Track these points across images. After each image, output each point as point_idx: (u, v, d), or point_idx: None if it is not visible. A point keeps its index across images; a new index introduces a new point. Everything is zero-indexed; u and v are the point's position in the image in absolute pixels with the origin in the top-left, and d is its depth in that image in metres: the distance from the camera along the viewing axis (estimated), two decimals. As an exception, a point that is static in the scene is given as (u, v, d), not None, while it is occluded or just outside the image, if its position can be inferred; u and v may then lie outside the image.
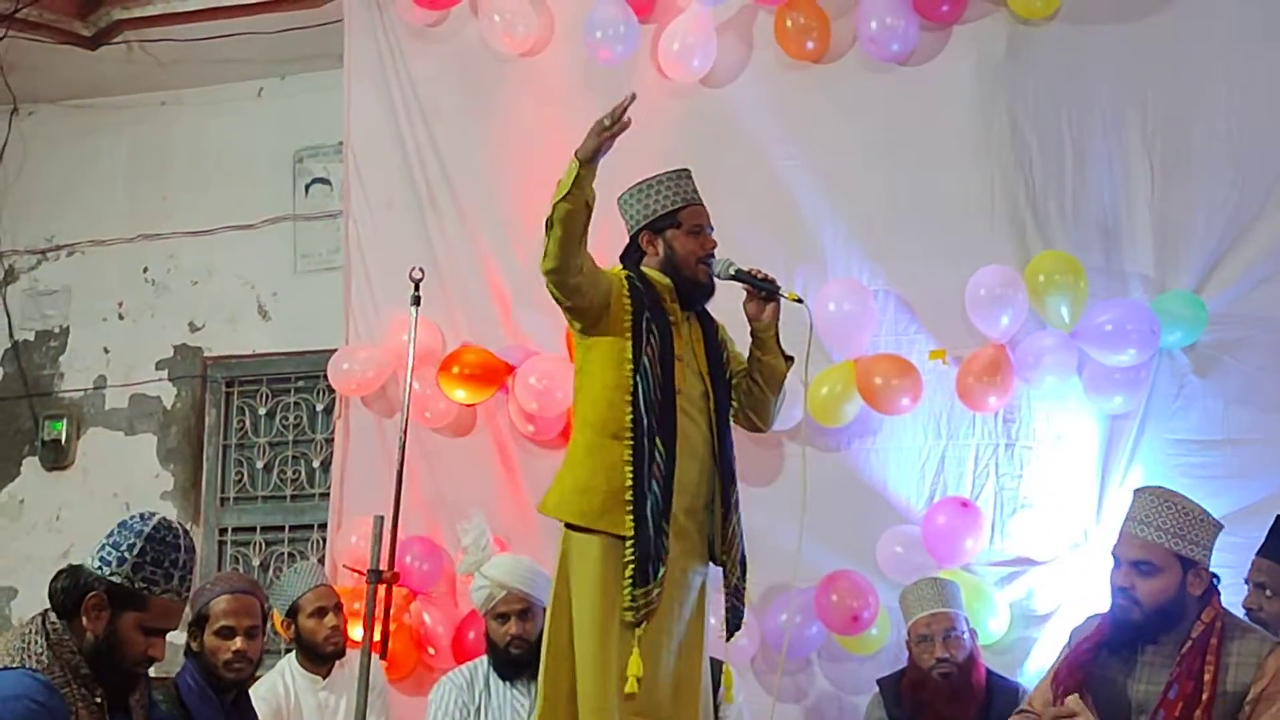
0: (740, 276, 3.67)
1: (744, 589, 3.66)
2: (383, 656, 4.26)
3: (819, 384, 4.96)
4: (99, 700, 2.93)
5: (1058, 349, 4.77)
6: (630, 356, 3.53)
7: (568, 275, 3.48)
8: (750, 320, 3.73)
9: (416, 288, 4.36)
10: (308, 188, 6.50)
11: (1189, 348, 4.78)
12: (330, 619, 4.42)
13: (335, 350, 5.51)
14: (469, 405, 5.32)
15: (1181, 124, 4.91)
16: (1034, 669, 4.61)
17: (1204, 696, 3.18)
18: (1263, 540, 3.93)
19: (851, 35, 5.22)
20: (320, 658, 4.43)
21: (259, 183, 6.51)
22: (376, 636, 4.11)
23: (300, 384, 6.42)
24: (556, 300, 3.56)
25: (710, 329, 3.77)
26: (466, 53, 5.59)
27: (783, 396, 3.80)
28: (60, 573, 2.99)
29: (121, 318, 6.65)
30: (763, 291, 3.68)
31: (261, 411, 6.48)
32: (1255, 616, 3.81)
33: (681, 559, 3.53)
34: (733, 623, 3.66)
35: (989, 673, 4.30)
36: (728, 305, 3.83)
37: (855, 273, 5.09)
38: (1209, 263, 4.81)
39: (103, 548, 2.96)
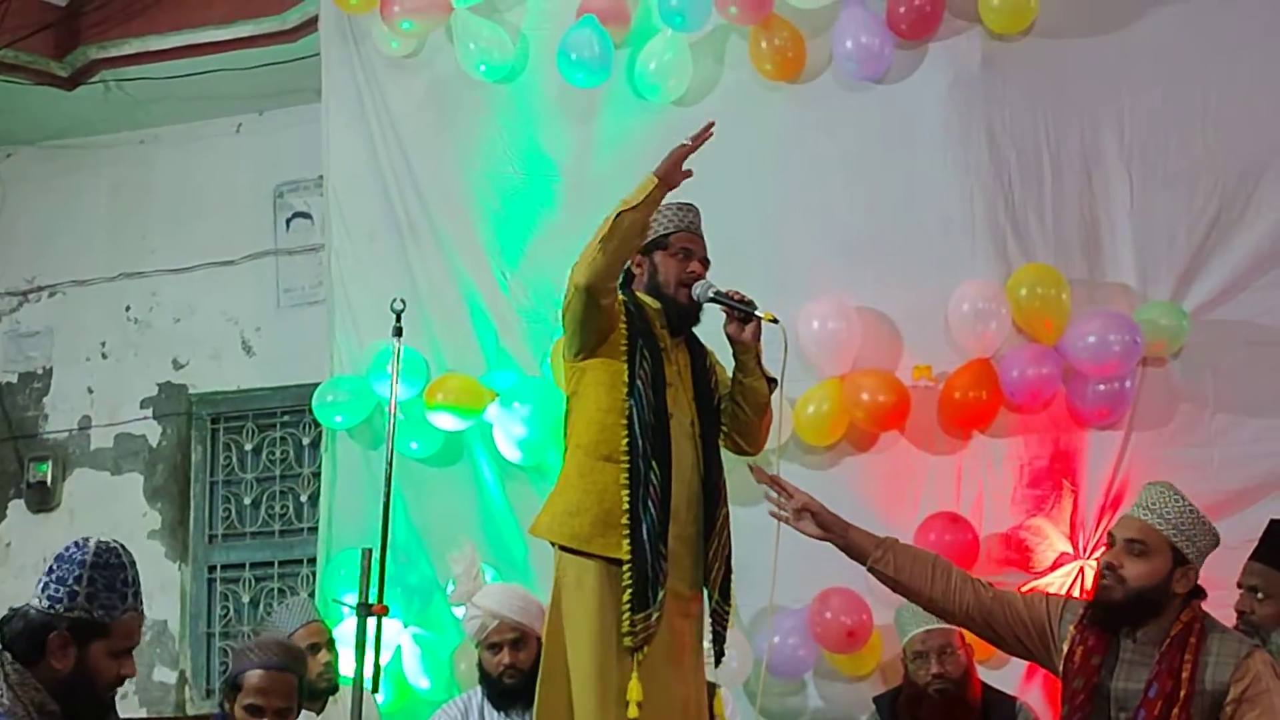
0: (718, 298, 3.68)
1: (726, 612, 3.63)
2: (375, 690, 4.24)
3: (805, 402, 4.96)
4: None
5: (1042, 362, 4.78)
6: (625, 379, 3.52)
7: (602, 295, 3.45)
8: (731, 342, 3.73)
9: (398, 318, 4.36)
10: (289, 222, 6.50)
11: (1173, 356, 4.79)
12: (322, 655, 4.39)
13: (320, 384, 5.50)
14: (455, 433, 5.30)
15: (1159, 133, 4.92)
16: (1029, 683, 4.60)
17: (1182, 694, 3.19)
18: (1256, 545, 3.94)
19: (827, 54, 5.23)
20: (313, 694, 4.40)
21: (240, 218, 6.51)
22: (368, 669, 4.09)
23: (286, 418, 6.41)
24: (575, 315, 3.50)
25: (699, 355, 3.77)
26: (442, 81, 5.60)
27: (769, 419, 3.77)
28: (8, 617, 2.93)
29: (105, 357, 6.64)
30: (739, 312, 3.68)
31: (248, 447, 6.46)
32: (1247, 619, 3.82)
33: (677, 584, 3.52)
34: (717, 648, 3.64)
35: (985, 688, 4.29)
36: (714, 326, 3.83)
37: (837, 291, 5.09)
38: (1190, 271, 4.83)
39: (47, 585, 2.89)
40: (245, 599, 6.28)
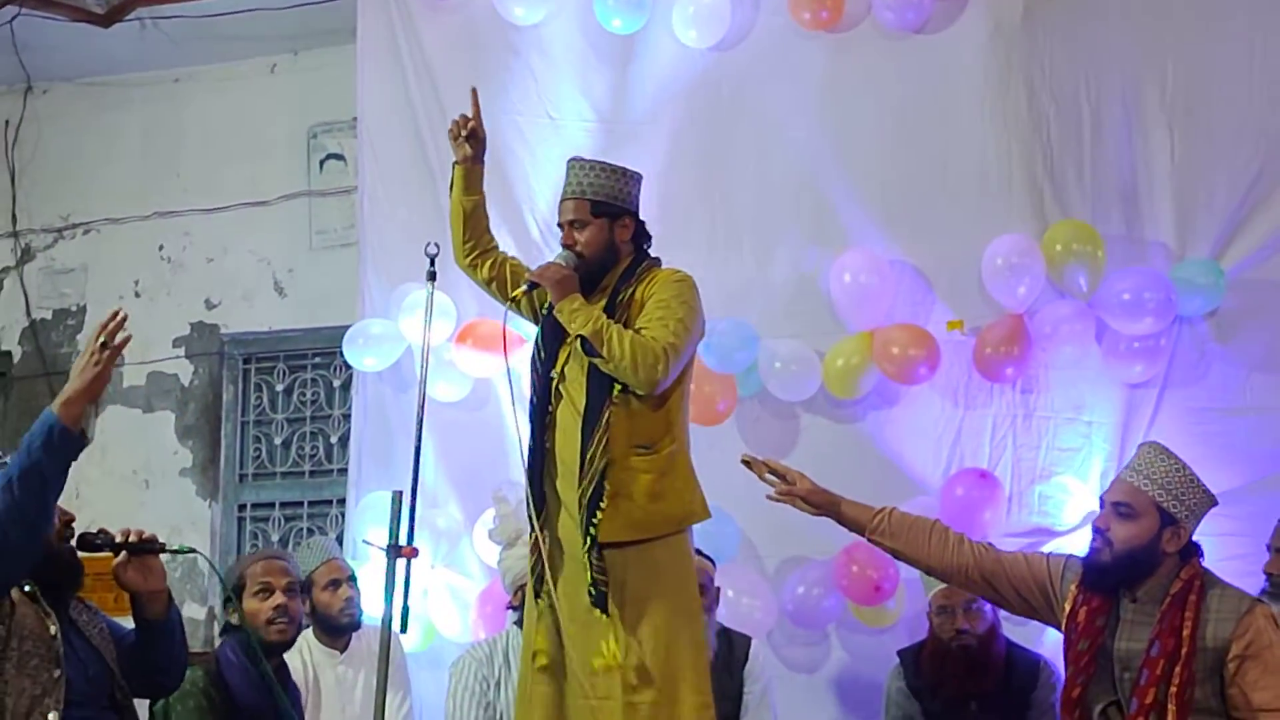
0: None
1: (589, 562, 3.54)
2: (403, 630, 4.26)
3: (835, 355, 4.95)
4: (28, 590, 3.04)
5: (1075, 318, 4.75)
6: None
7: (459, 262, 4.03)
8: None
9: (432, 263, 4.35)
10: (322, 164, 6.49)
11: (1209, 315, 4.76)
12: (344, 590, 4.44)
13: (351, 326, 5.51)
14: (484, 378, 5.31)
15: (1201, 90, 4.87)
16: (1054, 640, 4.60)
17: (1183, 651, 3.20)
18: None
19: (866, 2, 5.18)
20: (336, 630, 4.44)
21: (273, 159, 6.50)
22: (397, 610, 4.11)
23: (317, 360, 6.43)
24: None
25: (614, 307, 3.67)
26: (478, 23, 5.56)
27: (619, 359, 3.50)
28: None
29: (138, 295, 6.66)
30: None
31: (279, 388, 6.49)
32: (1275, 581, 3.81)
33: (565, 539, 3.58)
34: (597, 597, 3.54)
35: (1009, 644, 4.30)
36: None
37: (871, 243, 5.07)
38: (1229, 229, 4.78)
39: None
40: (275, 538, 6.33)
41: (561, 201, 3.78)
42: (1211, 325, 4.76)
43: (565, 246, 3.71)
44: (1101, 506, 3.41)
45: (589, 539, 3.47)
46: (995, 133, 5.01)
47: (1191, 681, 3.20)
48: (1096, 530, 3.37)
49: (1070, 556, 3.51)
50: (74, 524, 3.20)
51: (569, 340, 3.62)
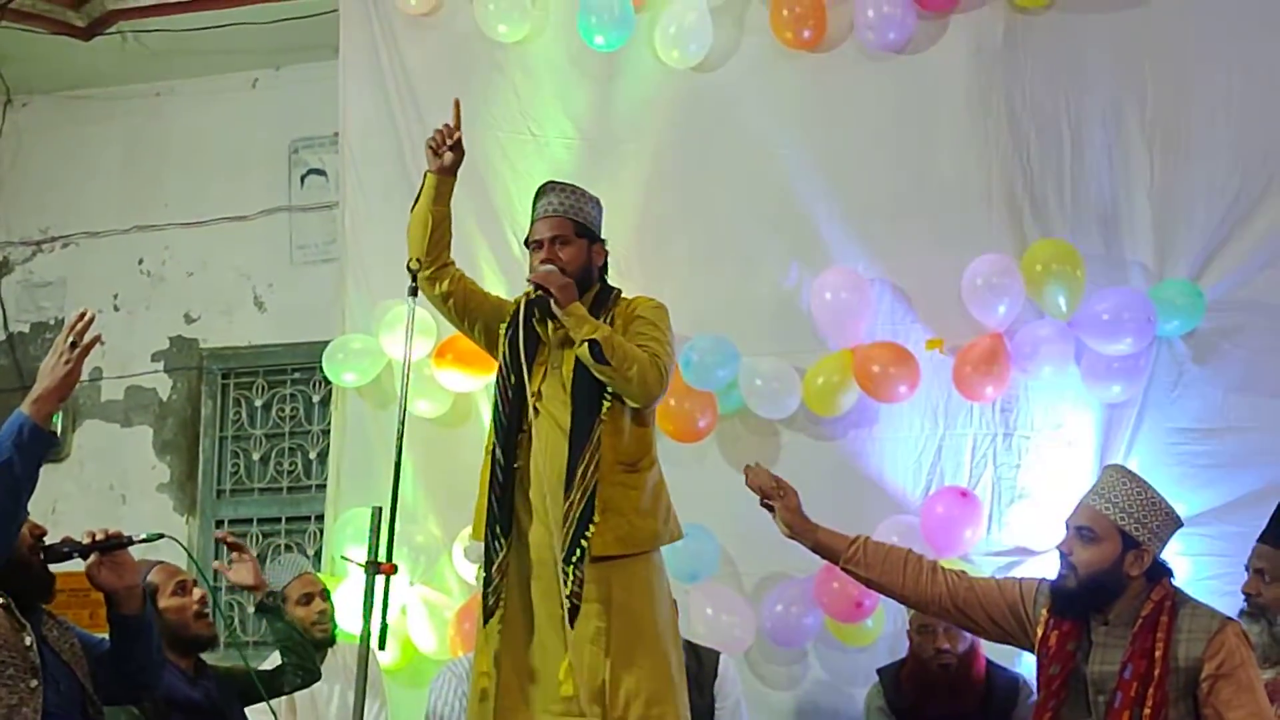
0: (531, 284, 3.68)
1: (567, 574, 3.54)
2: (381, 647, 4.24)
3: (815, 373, 4.96)
4: (2, 602, 3.02)
5: (1055, 338, 4.77)
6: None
7: (420, 280, 3.86)
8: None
9: (414, 278, 4.34)
10: (303, 179, 6.48)
11: (1188, 335, 4.78)
12: (317, 604, 4.43)
13: (331, 341, 5.49)
14: (464, 394, 5.30)
15: (1180, 111, 4.90)
16: (1032, 660, 4.60)
17: (1156, 672, 3.21)
18: (1264, 527, 3.93)
19: (848, 23, 5.20)
20: (311, 645, 4.41)
21: (254, 174, 6.49)
22: (375, 627, 4.09)
23: (297, 375, 6.41)
24: None
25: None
26: (460, 41, 5.56)
27: (626, 372, 3.52)
28: None
29: (117, 309, 6.64)
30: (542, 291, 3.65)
31: (258, 403, 6.47)
32: (1254, 601, 3.83)
33: (536, 554, 3.57)
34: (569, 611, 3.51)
35: (989, 664, 4.30)
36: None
37: (852, 261, 5.08)
38: (1208, 250, 4.81)
39: None
40: (253, 554, 6.29)
41: (542, 219, 3.75)
42: (1190, 346, 4.78)
43: (545, 263, 3.68)
44: (1067, 530, 3.42)
45: (579, 551, 3.46)
46: (976, 153, 5.04)
47: (1165, 702, 3.21)
48: (1061, 555, 3.39)
49: (1042, 580, 3.52)
50: (45, 538, 3.18)
51: (543, 358, 3.62)
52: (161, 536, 3.47)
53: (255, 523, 6.36)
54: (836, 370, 4.94)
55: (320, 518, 5.81)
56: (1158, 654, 3.23)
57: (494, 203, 5.43)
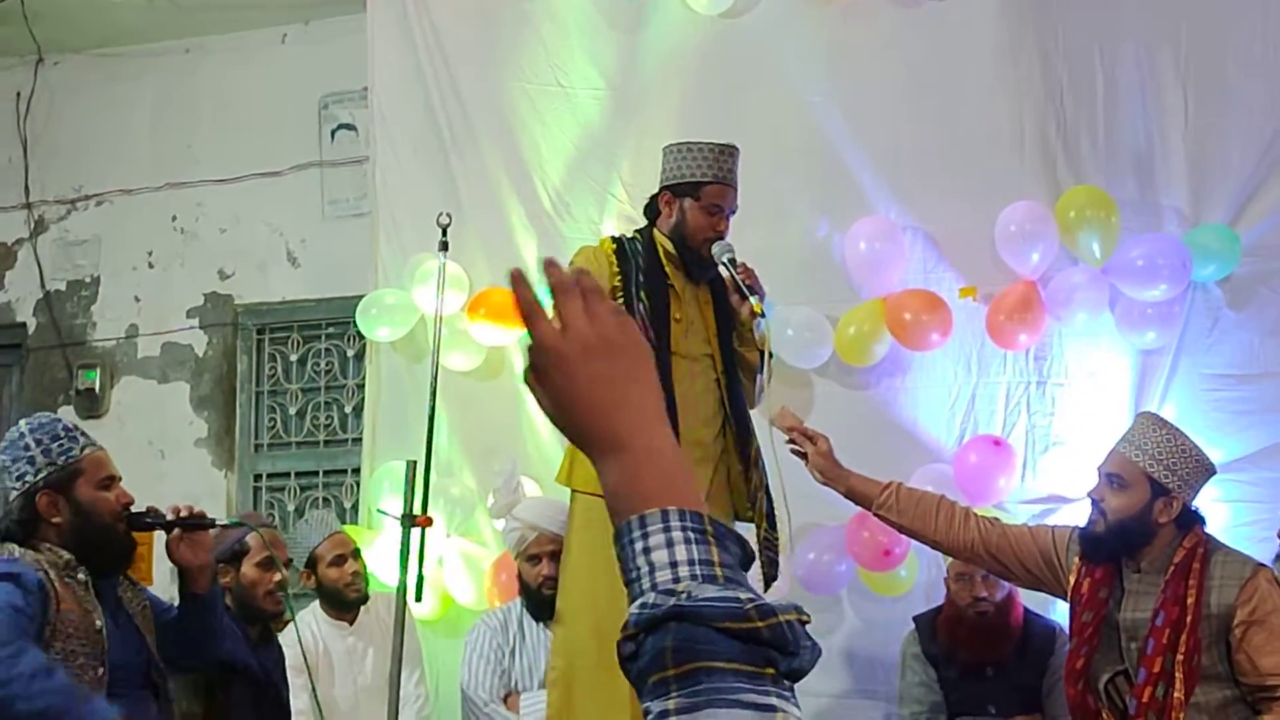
0: (729, 267, 3.69)
1: (775, 539, 3.70)
2: (418, 600, 4.29)
3: (847, 323, 4.95)
4: (82, 579, 3.08)
5: (1089, 285, 4.74)
6: None
7: None
8: (734, 311, 3.78)
9: (444, 233, 4.35)
10: (333, 134, 6.48)
11: (1223, 281, 4.73)
12: (350, 565, 4.46)
13: (364, 296, 5.52)
14: (497, 347, 5.32)
15: (1216, 55, 4.83)
16: (1066, 608, 4.61)
17: (1188, 619, 3.22)
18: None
19: (878, -31, 5.15)
20: (344, 605, 4.47)
21: (285, 129, 6.50)
22: (410, 580, 4.13)
23: (331, 330, 6.44)
24: None
25: (723, 296, 3.77)
26: (488, -9, 5.55)
27: (760, 386, 3.82)
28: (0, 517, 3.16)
29: (151, 266, 6.68)
30: (738, 290, 3.69)
31: (293, 358, 6.51)
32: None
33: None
34: (769, 573, 3.71)
35: (1026, 611, 4.31)
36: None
37: (884, 210, 5.06)
38: (1244, 195, 4.76)
39: (9, 474, 3.14)
40: (290, 507, 6.36)
41: (725, 186, 3.77)
42: (1225, 291, 4.74)
43: (722, 236, 3.74)
44: (1098, 477, 3.42)
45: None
46: (1008, 99, 4.99)
47: (1198, 649, 3.21)
48: (1093, 501, 3.39)
49: (1075, 527, 3.52)
50: (131, 505, 3.24)
51: (675, 317, 3.73)
52: (242, 525, 3.55)
53: (293, 476, 6.41)
54: (869, 319, 4.93)
55: (357, 471, 5.85)
56: (1190, 601, 3.24)
57: (522, 155, 5.42)
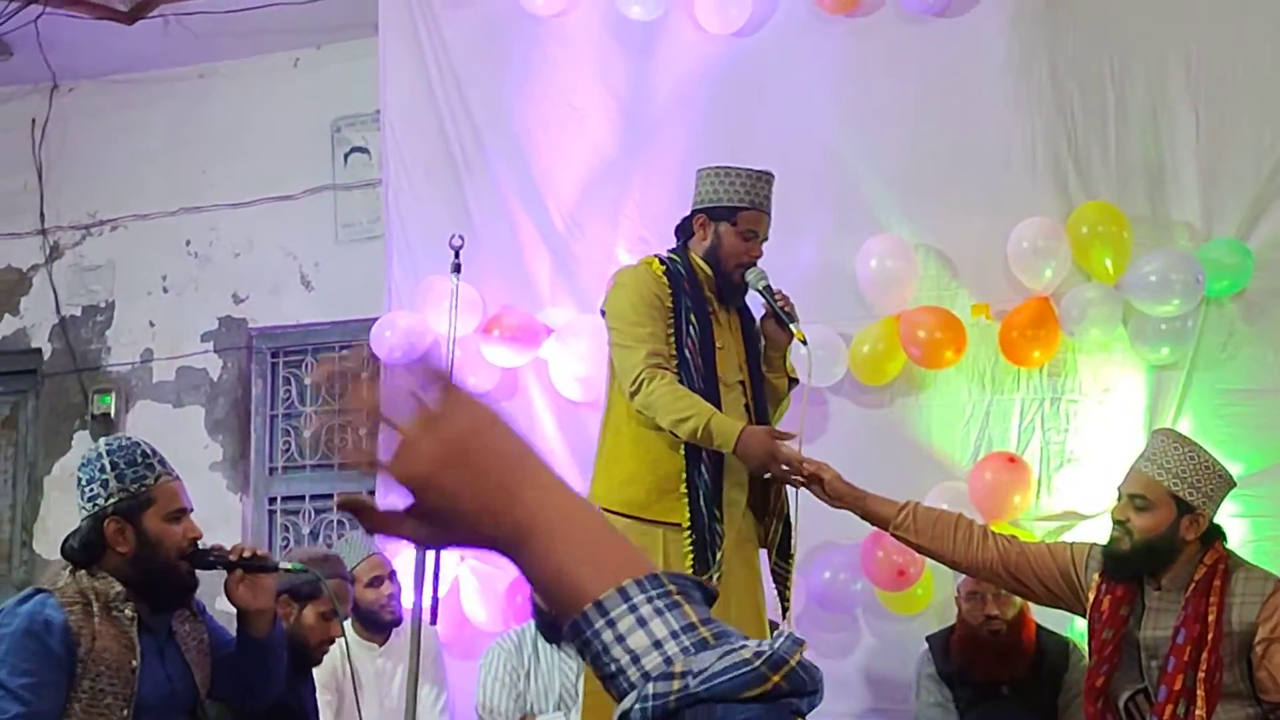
0: (766, 294, 3.71)
1: (785, 571, 3.69)
2: (433, 622, 4.30)
3: (861, 341, 4.95)
4: (130, 614, 3.01)
5: (1102, 301, 4.73)
6: (673, 348, 3.55)
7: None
8: (765, 337, 3.79)
9: (457, 255, 4.37)
10: (346, 157, 6.51)
11: (1236, 295, 4.72)
12: (386, 587, 4.47)
13: (378, 318, 5.53)
14: (511, 368, 5.33)
15: (1225, 69, 4.83)
16: (1083, 624, 4.59)
17: (1209, 636, 3.19)
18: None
19: (888, -13, 5.17)
20: (378, 626, 4.48)
21: (298, 153, 6.53)
22: (426, 602, 4.14)
23: (345, 353, 6.45)
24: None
25: (749, 320, 3.81)
26: (498, 15, 5.57)
27: (785, 408, 3.88)
28: (67, 537, 3.11)
29: (166, 291, 6.71)
30: (776, 317, 3.71)
31: (307, 381, 6.52)
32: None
33: (736, 542, 3.58)
34: (783, 604, 3.71)
35: (1039, 629, 4.29)
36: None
37: (896, 228, 5.06)
38: (1256, 208, 4.75)
39: (83, 492, 3.08)
40: (305, 530, 6.37)
41: (762, 212, 3.80)
42: (1239, 306, 4.73)
43: (755, 262, 3.76)
44: (1119, 498, 3.40)
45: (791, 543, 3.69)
46: (1019, 116, 4.99)
47: (1219, 666, 3.20)
48: (1116, 522, 3.38)
49: (1094, 545, 3.51)
50: (199, 540, 3.15)
51: (719, 346, 3.73)
52: (305, 571, 3.46)
53: (308, 499, 6.42)
54: (883, 337, 4.93)
55: (372, 494, 5.85)
56: (1211, 618, 3.22)
57: (534, 176, 5.43)
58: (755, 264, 3.73)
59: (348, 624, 4.49)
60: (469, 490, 1.11)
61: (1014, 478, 4.74)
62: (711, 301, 3.71)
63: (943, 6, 5.10)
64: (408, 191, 5.60)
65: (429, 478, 1.12)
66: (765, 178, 3.79)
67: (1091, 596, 3.41)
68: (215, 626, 3.34)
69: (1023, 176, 4.97)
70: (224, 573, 3.19)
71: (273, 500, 6.48)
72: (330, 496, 6.39)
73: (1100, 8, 4.97)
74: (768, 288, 3.71)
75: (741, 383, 3.70)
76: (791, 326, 3.69)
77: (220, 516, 6.33)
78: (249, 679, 3.27)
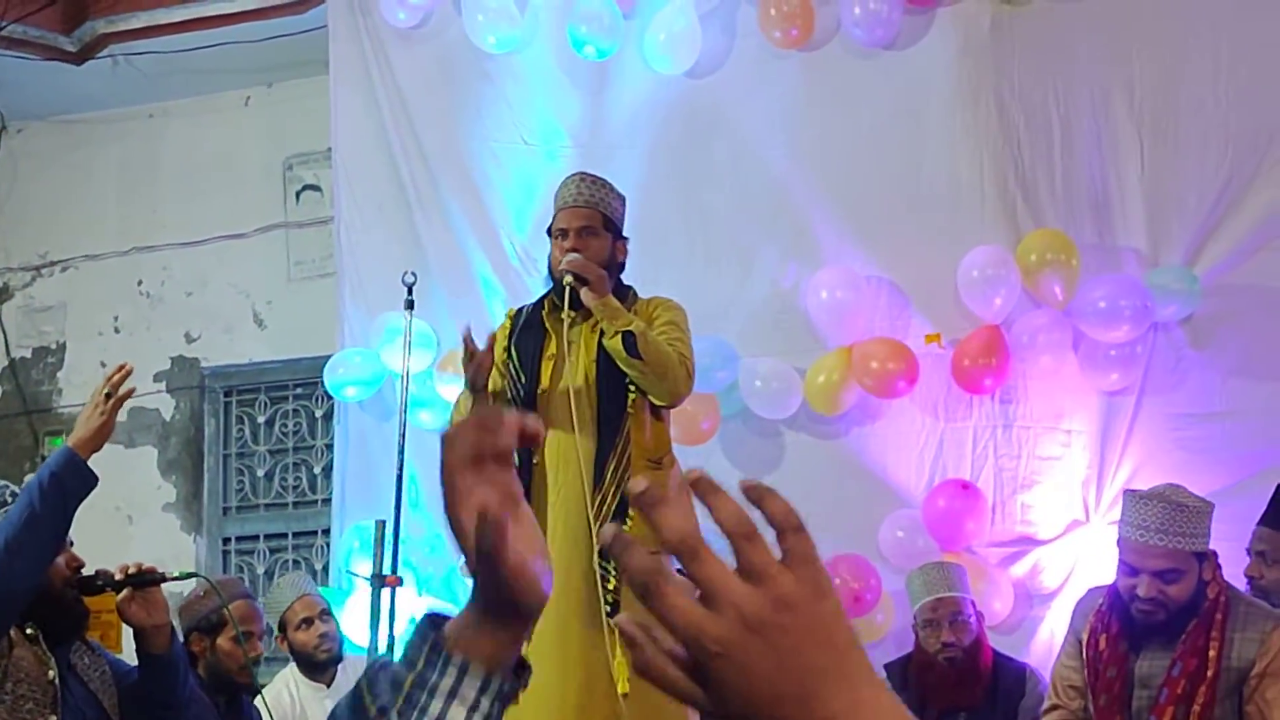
0: (562, 274, 3.62)
1: (606, 570, 3.50)
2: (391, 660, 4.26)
3: (815, 372, 4.97)
4: (30, 632, 3.04)
5: (1052, 327, 4.78)
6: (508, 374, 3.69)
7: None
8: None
9: (410, 291, 4.37)
10: (298, 195, 6.49)
11: (1184, 321, 4.78)
12: (318, 626, 4.42)
13: (331, 356, 5.51)
14: (466, 405, 5.32)
15: (1170, 97, 4.90)
16: (1040, 647, 4.62)
17: (1209, 673, 3.19)
18: (1264, 510, 3.94)
19: (835, 21, 5.21)
20: (317, 666, 4.43)
21: (250, 191, 6.51)
22: (383, 640, 4.11)
23: (299, 391, 6.42)
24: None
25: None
26: (450, 52, 5.58)
27: (660, 369, 3.56)
28: None
29: (118, 331, 6.66)
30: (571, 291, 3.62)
31: (260, 420, 6.48)
32: (1256, 584, 3.83)
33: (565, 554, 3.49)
34: (606, 606, 3.49)
35: (995, 654, 4.30)
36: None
37: (847, 260, 5.09)
38: (1202, 234, 4.81)
39: None
40: (260, 570, 6.32)
41: (570, 209, 3.71)
42: (1186, 331, 4.78)
43: (572, 252, 3.62)
44: (1132, 572, 3.32)
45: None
46: (967, 146, 5.05)
47: (1213, 701, 3.20)
48: (1148, 599, 3.30)
49: (1073, 618, 3.53)
50: (82, 569, 3.17)
51: (550, 352, 3.63)
52: (194, 576, 3.46)
53: (262, 539, 6.37)
54: (836, 368, 4.95)
55: (327, 532, 5.82)
56: (1211, 653, 3.22)
57: (488, 211, 5.44)
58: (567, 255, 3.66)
59: (293, 666, 4.46)
60: (778, 673, 0.88)
61: (968, 504, 4.76)
62: (547, 321, 3.69)
63: (890, 39, 5.16)
64: (360, 228, 5.59)
65: (734, 646, 0.88)
66: (569, 180, 3.81)
67: (1085, 638, 3.42)
68: (113, 659, 3.34)
69: (971, 206, 5.02)
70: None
71: (226, 540, 6.43)
72: (285, 536, 6.34)
73: (1044, 38, 5.03)
74: (563, 271, 3.61)
75: (582, 389, 3.60)
76: (565, 282, 3.56)
77: (173, 557, 6.25)
78: (159, 697, 3.24)
